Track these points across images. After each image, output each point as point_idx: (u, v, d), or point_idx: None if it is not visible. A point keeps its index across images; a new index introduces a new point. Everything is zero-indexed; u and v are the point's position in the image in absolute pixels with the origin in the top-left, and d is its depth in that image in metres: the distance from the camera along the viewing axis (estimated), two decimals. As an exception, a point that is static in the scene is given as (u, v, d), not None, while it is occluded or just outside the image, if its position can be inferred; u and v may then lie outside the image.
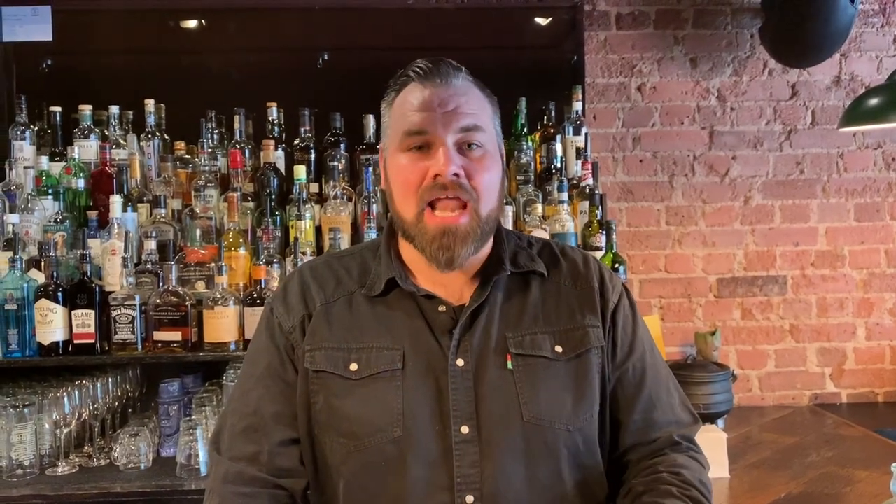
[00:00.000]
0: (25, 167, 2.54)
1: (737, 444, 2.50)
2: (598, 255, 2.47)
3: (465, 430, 1.14)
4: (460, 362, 1.17)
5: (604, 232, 2.50)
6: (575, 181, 2.67)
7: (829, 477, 2.20)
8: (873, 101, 2.04)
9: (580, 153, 2.70)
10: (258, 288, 2.29)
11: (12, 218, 2.39)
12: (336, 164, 2.61)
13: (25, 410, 2.19)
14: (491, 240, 1.24)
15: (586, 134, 2.76)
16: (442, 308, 1.21)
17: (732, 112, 3.08)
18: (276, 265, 2.37)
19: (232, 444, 1.22)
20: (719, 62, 3.06)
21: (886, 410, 3.07)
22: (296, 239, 2.42)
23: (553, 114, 2.82)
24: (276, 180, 2.60)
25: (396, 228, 1.24)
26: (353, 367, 1.18)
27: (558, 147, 2.70)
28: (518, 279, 1.25)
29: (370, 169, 2.52)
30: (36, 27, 2.88)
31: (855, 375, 3.12)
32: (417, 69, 1.20)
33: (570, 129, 2.78)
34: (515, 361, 1.18)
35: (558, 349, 1.20)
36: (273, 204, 2.53)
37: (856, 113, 2.10)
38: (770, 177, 3.09)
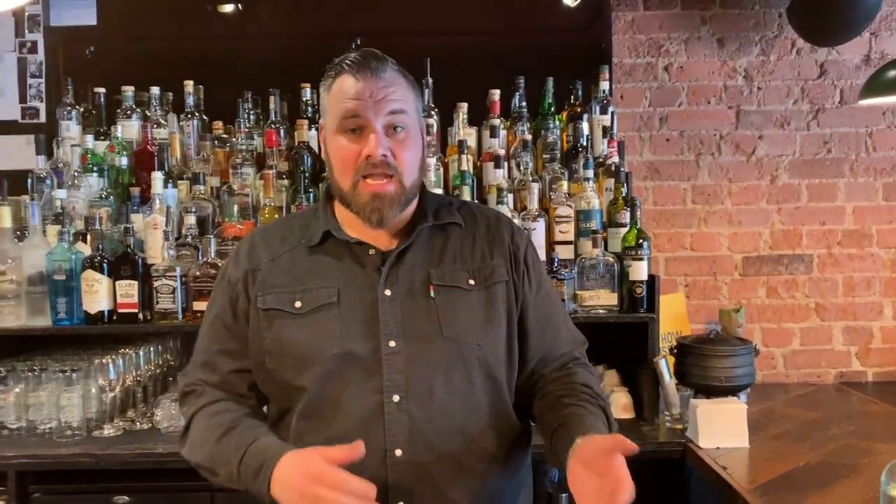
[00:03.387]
0: (72, 146, 2.66)
1: (759, 417, 2.54)
2: (623, 231, 2.52)
3: (392, 343, 1.39)
4: (388, 292, 1.42)
5: (628, 208, 2.54)
6: (601, 159, 2.72)
7: (848, 448, 2.23)
8: (893, 73, 2.05)
9: (606, 132, 2.74)
10: (292, 261, 2.38)
11: (60, 193, 2.51)
12: (367, 142, 2.69)
13: (73, 375, 2.32)
14: (415, 202, 1.50)
15: (613, 113, 2.80)
16: (371, 251, 1.46)
17: (759, 91, 3.09)
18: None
19: (193, 372, 1.52)
20: (746, 42, 3.08)
21: (913, 389, 3.08)
22: (328, 214, 2.50)
23: (580, 93, 2.86)
24: (309, 158, 2.69)
25: (334, 194, 1.49)
26: (298, 304, 1.43)
27: (585, 126, 2.75)
28: (440, 229, 1.51)
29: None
30: (81, 12, 3.00)
31: (881, 354, 3.13)
32: (351, 61, 1.41)
33: (597, 108, 2.82)
34: (437, 291, 1.44)
35: (471, 282, 1.47)
36: (307, 181, 2.62)
37: (876, 84, 2.10)
38: (797, 156, 3.11)
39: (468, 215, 1.56)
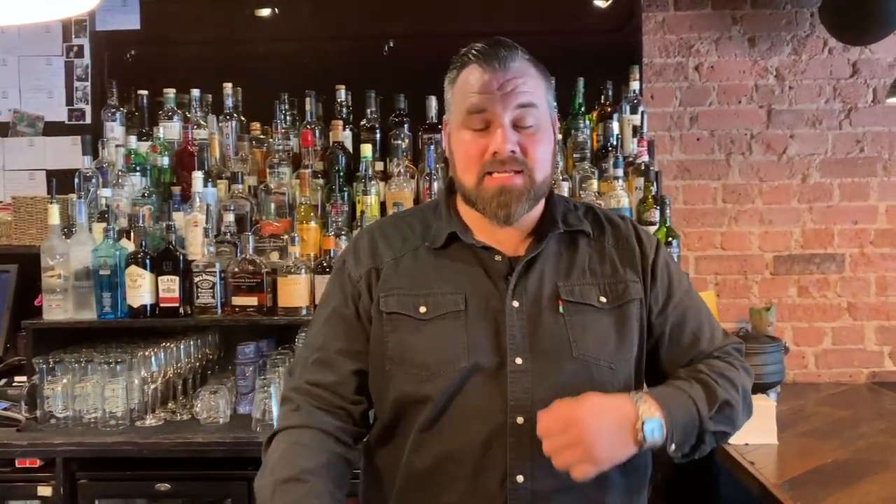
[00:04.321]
0: (116, 146, 2.75)
1: (789, 415, 2.54)
2: (652, 229, 2.55)
3: (519, 361, 1.30)
4: (515, 304, 1.33)
5: (658, 207, 2.57)
6: (631, 158, 2.74)
7: (877, 446, 2.23)
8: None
9: (636, 131, 2.77)
10: (328, 257, 2.45)
11: (105, 192, 2.60)
12: (400, 143, 2.75)
13: (117, 367, 2.39)
14: (543, 203, 1.40)
15: (643, 112, 2.83)
16: (498, 258, 1.36)
17: (791, 91, 3.09)
18: (343, 237, 2.52)
19: (304, 372, 1.40)
20: (778, 41, 3.08)
21: (947, 390, 3.06)
22: (362, 213, 2.57)
23: (611, 93, 2.89)
24: (344, 158, 2.75)
25: (458, 191, 1.40)
26: (423, 309, 1.34)
27: (615, 125, 2.78)
28: (567, 237, 1.41)
29: (432, 148, 2.65)
30: (125, 17, 3.10)
31: (915, 354, 3.11)
32: (477, 51, 1.33)
33: (627, 108, 2.85)
34: (566, 307, 1.34)
35: (603, 300, 1.36)
36: (341, 180, 2.68)
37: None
38: (829, 155, 3.10)
39: (595, 223, 1.44)
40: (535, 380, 1.29)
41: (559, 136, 2.72)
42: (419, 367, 1.32)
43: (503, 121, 1.30)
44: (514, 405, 1.28)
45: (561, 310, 1.33)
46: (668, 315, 1.40)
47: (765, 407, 2.29)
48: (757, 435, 2.25)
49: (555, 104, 1.42)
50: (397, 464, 1.35)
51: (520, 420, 1.27)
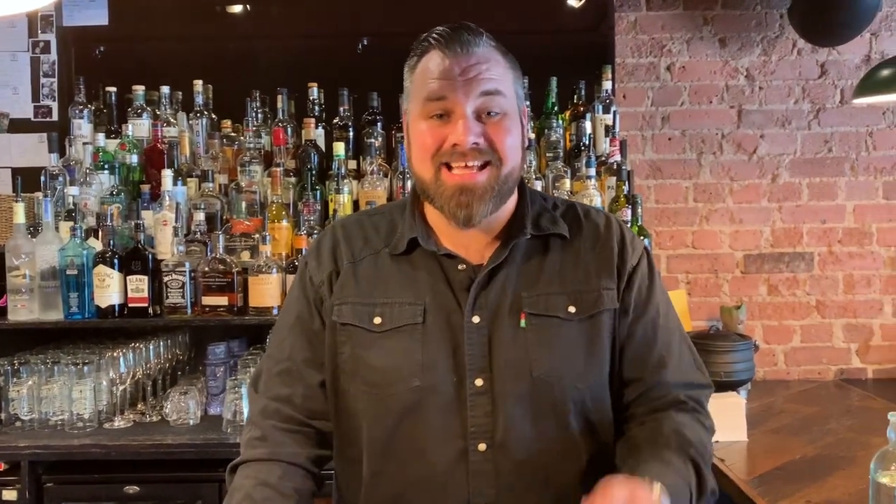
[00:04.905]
0: (84, 143, 2.71)
1: (759, 412, 2.57)
2: (624, 228, 2.56)
3: (479, 382, 1.21)
4: (476, 319, 1.23)
5: (630, 206, 2.58)
6: (603, 158, 2.76)
7: (845, 442, 2.26)
8: (885, 73, 2.08)
9: (609, 131, 2.78)
10: (299, 257, 2.43)
11: (72, 190, 2.56)
12: (373, 141, 2.74)
13: (85, 368, 2.36)
14: (514, 199, 1.29)
15: (615, 112, 2.84)
16: (461, 267, 1.26)
17: (761, 91, 3.12)
18: (316, 236, 2.50)
19: (269, 386, 1.31)
20: (748, 42, 3.11)
21: (913, 386, 3.11)
22: (335, 211, 2.56)
23: (583, 93, 2.90)
24: (316, 157, 2.74)
25: (417, 190, 1.29)
26: (377, 320, 1.25)
27: (587, 125, 2.78)
28: (539, 241, 1.29)
29: (405, 133, 2.64)
30: (93, 12, 3.06)
31: (881, 352, 3.16)
32: (438, 35, 1.23)
33: (600, 107, 2.86)
34: (529, 320, 1.23)
35: (571, 309, 1.25)
36: (313, 179, 2.67)
37: (868, 84, 2.14)
38: (798, 155, 3.14)
39: (574, 223, 1.31)
40: (496, 402, 1.20)
41: (531, 135, 2.73)
42: (370, 384, 1.24)
43: (465, 110, 1.18)
44: (474, 430, 1.20)
45: (523, 324, 1.23)
46: (636, 329, 1.29)
47: (735, 404, 2.32)
48: (727, 432, 2.27)
49: (524, 96, 1.30)
50: (358, 486, 1.28)
51: (482, 447, 1.20)
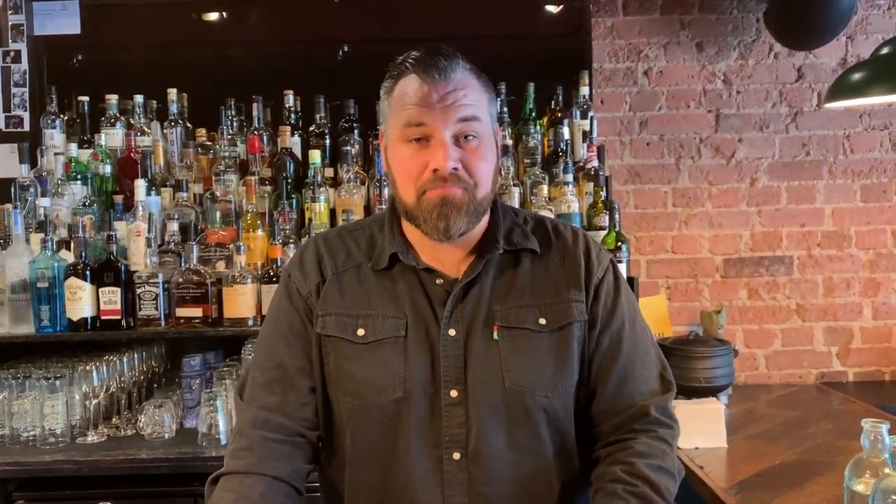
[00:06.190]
0: (56, 154, 2.67)
1: (739, 417, 2.57)
2: (602, 234, 2.55)
3: (453, 393, 1.27)
4: (452, 332, 1.28)
5: (608, 212, 2.57)
6: (581, 163, 2.75)
7: (824, 447, 2.26)
8: (856, 76, 2.08)
9: (586, 136, 2.77)
10: (275, 266, 2.40)
11: (44, 202, 2.52)
12: (350, 149, 2.71)
13: (57, 383, 2.32)
14: (487, 218, 1.34)
15: (592, 117, 2.83)
16: (439, 281, 1.31)
17: (738, 95, 3.13)
18: (292, 245, 2.48)
19: (257, 395, 1.33)
20: (725, 46, 3.12)
21: (893, 389, 3.11)
22: (310, 220, 2.53)
23: (561, 99, 2.89)
24: (292, 165, 2.71)
25: (398, 209, 1.34)
26: (361, 332, 1.30)
27: (565, 131, 2.77)
28: (511, 255, 1.35)
29: (382, 154, 2.62)
30: (65, 21, 3.01)
31: (861, 354, 3.17)
32: (415, 59, 1.26)
33: (578, 113, 2.84)
34: (501, 333, 1.29)
35: (542, 321, 1.30)
36: (289, 187, 2.64)
37: (839, 88, 2.14)
38: (776, 158, 3.14)
39: (544, 239, 1.37)
40: (470, 413, 1.26)
41: (509, 141, 2.72)
42: (352, 394, 1.29)
43: (444, 136, 1.23)
44: (448, 441, 1.26)
45: (496, 336, 1.28)
46: (602, 340, 1.33)
47: (714, 411, 2.31)
48: (706, 438, 2.26)
49: (496, 115, 1.36)
50: (341, 494, 1.33)
51: (456, 456, 1.25)
